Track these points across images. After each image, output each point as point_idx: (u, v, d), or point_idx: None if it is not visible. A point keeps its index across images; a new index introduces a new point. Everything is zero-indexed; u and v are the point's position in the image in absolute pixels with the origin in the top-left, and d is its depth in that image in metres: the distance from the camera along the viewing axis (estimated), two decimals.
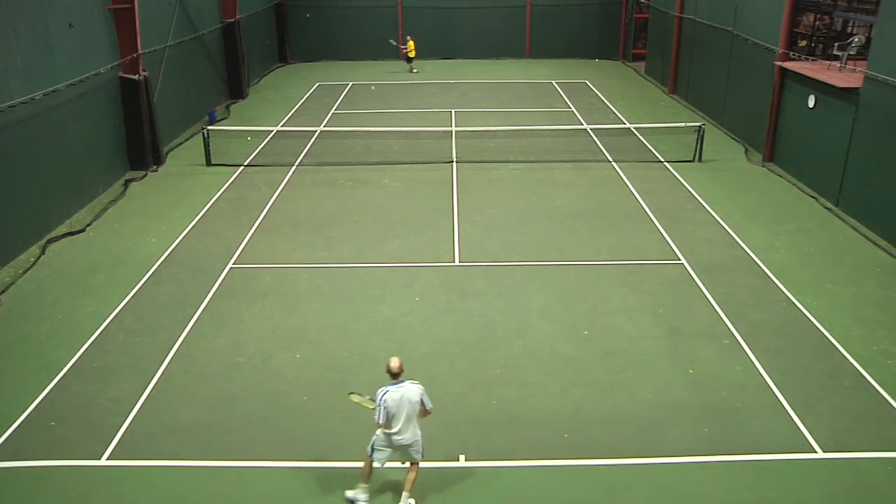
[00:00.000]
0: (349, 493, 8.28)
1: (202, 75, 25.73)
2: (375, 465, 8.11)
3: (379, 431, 7.94)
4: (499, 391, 10.20)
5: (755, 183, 18.84)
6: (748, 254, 14.50)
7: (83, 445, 9.11)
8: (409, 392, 7.82)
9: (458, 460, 8.87)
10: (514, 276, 13.63)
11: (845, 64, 17.72)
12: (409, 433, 7.93)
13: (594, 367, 10.74)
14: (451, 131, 23.29)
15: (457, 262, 14.25)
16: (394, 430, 7.83)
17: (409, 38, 35.05)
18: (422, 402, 7.91)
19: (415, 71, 34.31)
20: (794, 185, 18.61)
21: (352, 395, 8.34)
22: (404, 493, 8.14)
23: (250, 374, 10.62)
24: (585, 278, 13.53)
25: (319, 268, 14.06)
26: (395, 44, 36.32)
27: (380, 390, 7.79)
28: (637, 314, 12.22)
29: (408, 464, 8.21)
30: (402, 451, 8.05)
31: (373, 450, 8.04)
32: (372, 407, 7.96)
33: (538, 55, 38.68)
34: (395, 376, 7.81)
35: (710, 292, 12.92)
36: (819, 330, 11.71)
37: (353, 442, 9.17)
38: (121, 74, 19.27)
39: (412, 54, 34.28)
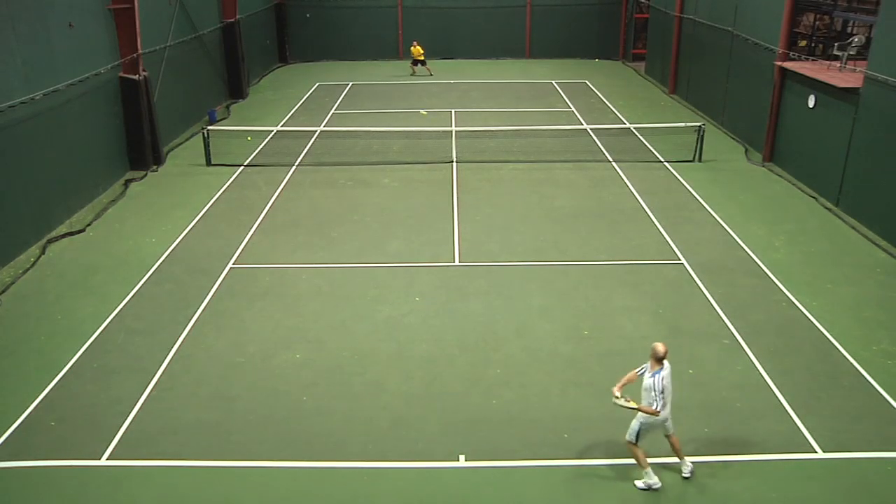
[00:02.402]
0: (639, 483, 8.39)
1: (202, 75, 25.73)
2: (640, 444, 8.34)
3: (647, 418, 8.09)
4: (499, 391, 10.20)
5: (755, 183, 18.84)
6: (748, 254, 14.50)
7: (83, 445, 9.12)
8: (669, 368, 8.12)
9: (458, 460, 8.87)
10: (514, 276, 13.63)
11: (845, 64, 17.72)
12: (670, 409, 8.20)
13: (594, 367, 10.74)
14: (451, 131, 23.29)
15: (457, 263, 14.25)
16: (665, 411, 8.06)
17: (414, 42, 34.67)
18: None
19: (431, 74, 33.80)
20: (794, 185, 18.61)
21: (617, 401, 8.32)
22: (683, 460, 8.47)
23: (250, 374, 10.62)
24: (585, 278, 13.52)
25: (319, 268, 14.06)
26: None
27: (655, 379, 7.94)
28: (637, 314, 12.22)
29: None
30: (662, 427, 8.29)
31: (638, 437, 8.21)
32: (635, 406, 8.11)
33: (538, 55, 38.67)
34: (661, 361, 8.04)
35: (710, 292, 12.92)
36: (819, 330, 11.71)
37: (353, 442, 9.19)
38: (121, 74, 19.27)
39: (421, 57, 33.88)
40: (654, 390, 7.96)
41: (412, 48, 33.97)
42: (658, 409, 7.99)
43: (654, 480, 8.35)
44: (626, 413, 9.66)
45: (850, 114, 16.53)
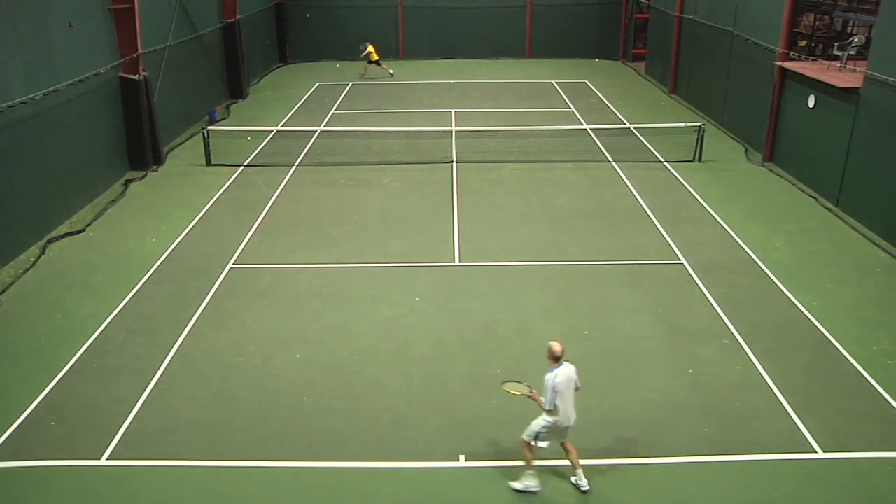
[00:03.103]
0: (517, 485, 8.30)
1: (202, 75, 25.73)
2: (541, 445, 8.23)
3: (544, 419, 8.00)
4: (498, 391, 10.18)
5: (755, 183, 18.84)
6: (748, 254, 14.50)
7: (83, 445, 9.12)
8: (570, 372, 7.99)
9: (458, 460, 8.87)
10: (514, 276, 13.63)
11: (845, 64, 17.72)
12: (574, 413, 8.05)
13: (594, 367, 10.72)
14: (451, 131, 23.29)
15: (457, 262, 14.25)
16: (561, 415, 7.93)
17: (366, 43, 34.20)
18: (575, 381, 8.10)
19: (391, 73, 33.60)
20: (794, 185, 18.61)
21: (506, 385, 8.32)
22: (579, 472, 8.29)
23: (250, 374, 10.62)
24: (585, 278, 13.53)
25: (319, 268, 14.06)
26: (361, 48, 34.64)
27: (548, 377, 7.87)
28: (637, 314, 12.22)
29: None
30: (560, 433, 8.15)
31: (537, 437, 8.11)
32: (524, 393, 8.11)
33: (538, 55, 38.68)
34: (558, 360, 7.93)
35: (710, 292, 12.92)
36: (819, 330, 11.71)
37: (353, 442, 9.19)
38: (121, 74, 19.27)
39: (374, 57, 33.30)
40: (545, 388, 7.89)
41: (369, 48, 33.45)
42: (545, 405, 7.88)
43: (534, 483, 8.23)
44: (626, 413, 9.71)
45: (850, 114, 16.53)
